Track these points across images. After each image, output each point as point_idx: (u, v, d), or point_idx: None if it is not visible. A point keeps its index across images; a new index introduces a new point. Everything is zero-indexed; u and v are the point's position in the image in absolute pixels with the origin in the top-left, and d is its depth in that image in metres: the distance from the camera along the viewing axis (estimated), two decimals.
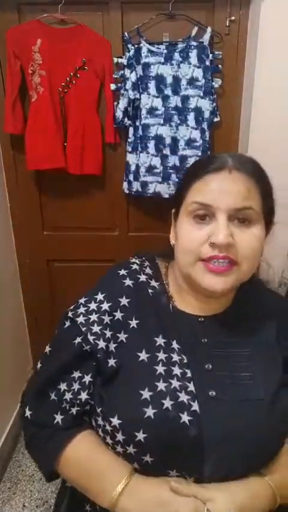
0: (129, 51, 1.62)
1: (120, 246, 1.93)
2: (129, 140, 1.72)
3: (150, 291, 0.77)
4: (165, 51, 1.61)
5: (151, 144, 1.68)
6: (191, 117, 1.65)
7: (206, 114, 1.65)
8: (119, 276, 0.77)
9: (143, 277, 0.78)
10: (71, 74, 1.63)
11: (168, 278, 0.80)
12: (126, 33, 1.61)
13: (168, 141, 1.69)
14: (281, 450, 0.72)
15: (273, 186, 0.79)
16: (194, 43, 1.59)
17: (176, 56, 1.61)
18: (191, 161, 1.69)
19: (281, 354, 0.75)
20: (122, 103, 1.65)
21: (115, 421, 0.66)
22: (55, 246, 1.98)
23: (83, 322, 0.73)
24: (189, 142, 1.68)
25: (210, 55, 1.61)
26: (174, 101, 1.65)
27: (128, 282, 0.76)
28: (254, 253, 0.68)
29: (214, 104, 1.66)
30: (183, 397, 0.67)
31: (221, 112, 1.69)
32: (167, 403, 0.66)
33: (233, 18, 1.60)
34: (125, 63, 1.63)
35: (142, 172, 1.70)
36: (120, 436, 0.67)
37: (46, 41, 1.60)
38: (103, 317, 0.73)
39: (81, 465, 0.71)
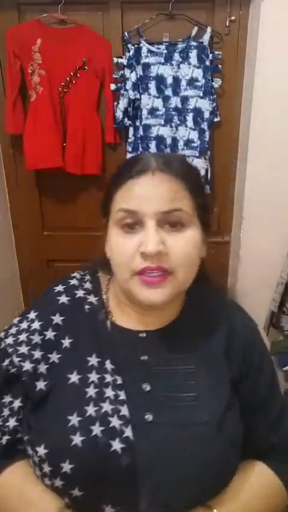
0: (129, 51, 1.62)
1: None
2: (130, 140, 1.72)
3: (87, 307, 0.71)
4: (165, 51, 1.61)
5: (152, 145, 1.69)
6: (189, 117, 1.65)
7: (206, 114, 1.65)
8: (54, 292, 0.72)
9: (80, 293, 0.73)
10: (71, 73, 1.63)
11: (109, 292, 0.74)
12: (126, 33, 1.61)
13: (168, 141, 1.69)
14: (231, 479, 0.65)
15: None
16: (194, 43, 1.59)
17: (176, 56, 1.61)
18: (189, 161, 1.70)
19: (229, 371, 0.68)
20: (122, 103, 1.65)
21: (41, 450, 0.60)
22: (55, 246, 1.98)
23: (11, 343, 0.68)
24: (188, 143, 1.68)
25: (210, 55, 1.61)
26: (174, 101, 1.65)
27: (64, 298, 0.71)
28: (189, 258, 0.63)
29: (214, 104, 1.66)
30: (115, 422, 0.61)
31: (221, 112, 1.69)
32: (97, 429, 0.60)
33: (233, 18, 1.60)
34: (125, 63, 1.63)
35: None
36: (46, 468, 0.60)
37: (46, 40, 1.60)
38: (32, 337, 0.67)
39: (9, 499, 0.64)
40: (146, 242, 0.59)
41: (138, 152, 1.70)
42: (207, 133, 1.67)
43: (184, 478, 0.60)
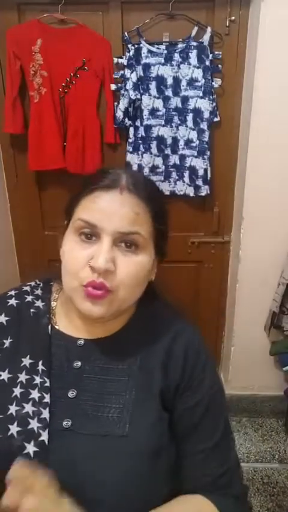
0: (129, 51, 1.62)
1: None
2: (130, 140, 1.72)
3: (32, 310, 0.72)
4: (165, 51, 1.61)
5: (154, 145, 1.69)
6: (189, 117, 1.66)
7: (206, 114, 1.65)
8: (6, 296, 0.74)
9: (29, 298, 0.74)
10: (71, 74, 1.64)
11: (58, 300, 0.75)
12: (126, 33, 1.61)
13: (169, 141, 1.70)
14: (152, 502, 0.60)
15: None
16: (194, 43, 1.59)
17: (176, 56, 1.61)
18: (188, 160, 1.70)
19: (164, 384, 0.66)
20: (123, 103, 1.65)
21: None
22: (55, 246, 1.97)
23: None
24: (188, 143, 1.69)
25: (210, 55, 1.61)
26: (175, 101, 1.65)
27: (13, 301, 0.72)
28: (135, 281, 0.63)
29: (214, 104, 1.66)
30: (34, 425, 0.60)
31: (221, 112, 1.69)
32: (14, 429, 0.59)
33: (233, 18, 1.60)
34: (125, 63, 1.63)
35: (145, 172, 1.71)
36: None
37: (46, 41, 1.60)
38: None
39: None
40: (97, 257, 0.59)
41: (139, 152, 1.71)
42: (206, 133, 1.67)
43: (98, 489, 0.57)
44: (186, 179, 1.74)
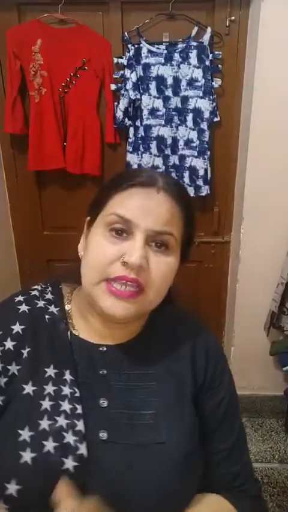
0: (129, 51, 1.62)
1: None
2: (130, 140, 1.72)
3: (47, 317, 0.68)
4: (165, 51, 1.61)
5: (153, 145, 1.69)
6: (189, 117, 1.66)
7: (206, 114, 1.65)
8: (14, 302, 0.69)
9: (41, 303, 0.70)
10: (71, 74, 1.64)
11: (71, 303, 0.72)
12: (126, 33, 1.61)
13: (169, 141, 1.70)
14: (188, 503, 0.61)
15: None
16: (194, 43, 1.59)
17: (176, 56, 1.61)
18: (188, 161, 1.70)
19: (192, 390, 0.66)
20: (122, 103, 1.65)
21: None
22: (55, 246, 1.98)
23: None
24: (188, 143, 1.69)
25: (210, 55, 1.61)
26: (175, 101, 1.65)
27: (24, 307, 0.68)
28: (164, 282, 0.62)
29: (214, 104, 1.66)
30: (70, 438, 0.57)
31: (221, 112, 1.69)
32: (49, 445, 0.55)
33: (233, 18, 1.60)
34: (125, 63, 1.63)
35: None
36: None
37: (46, 41, 1.60)
38: None
39: None
40: (131, 252, 0.57)
41: (139, 152, 1.70)
42: (206, 133, 1.67)
43: (138, 500, 0.56)
44: (186, 179, 1.74)
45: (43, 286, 0.75)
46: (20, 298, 0.70)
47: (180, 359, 0.68)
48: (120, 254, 0.58)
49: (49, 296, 0.72)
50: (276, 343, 1.86)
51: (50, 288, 0.74)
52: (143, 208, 0.59)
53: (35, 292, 0.72)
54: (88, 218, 0.67)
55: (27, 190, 1.89)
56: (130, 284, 0.58)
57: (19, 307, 0.68)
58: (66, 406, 0.60)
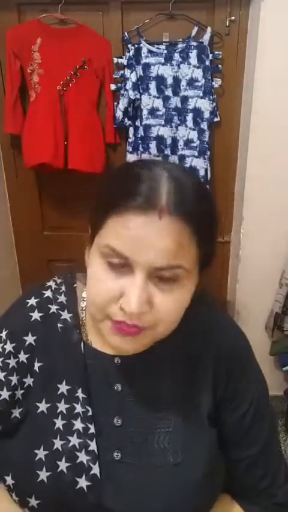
0: (129, 51, 1.62)
1: None
2: (130, 140, 1.72)
3: (60, 325, 0.63)
4: (165, 51, 1.61)
5: (153, 145, 1.69)
6: (189, 117, 1.65)
7: (206, 114, 1.65)
8: (27, 307, 0.64)
9: (53, 308, 0.64)
10: (71, 73, 1.63)
11: (86, 309, 0.66)
12: (126, 33, 1.61)
13: (168, 141, 1.70)
14: None
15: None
16: (194, 43, 1.59)
17: (176, 56, 1.61)
18: (188, 161, 1.70)
19: (211, 404, 0.61)
20: (122, 103, 1.65)
21: (9, 480, 0.57)
22: (55, 246, 1.98)
23: None
24: (188, 143, 1.69)
25: (210, 55, 1.61)
26: (175, 101, 1.65)
27: (36, 315, 0.63)
28: (173, 317, 0.53)
29: (214, 104, 1.66)
30: (83, 458, 0.56)
31: (221, 112, 1.69)
32: (62, 465, 0.56)
33: (233, 18, 1.60)
34: (125, 63, 1.63)
35: None
36: (14, 497, 0.58)
37: (46, 40, 1.60)
38: (8, 361, 0.61)
39: None
40: (129, 298, 0.49)
41: (139, 152, 1.70)
42: (206, 133, 1.67)
43: None
44: None
45: (58, 282, 0.69)
46: (33, 302, 0.65)
47: (201, 369, 0.61)
48: (119, 293, 0.50)
49: (62, 298, 0.66)
50: (276, 343, 1.86)
51: (63, 288, 0.67)
52: (142, 241, 0.48)
53: (49, 293, 0.66)
54: (89, 232, 0.58)
55: (27, 190, 1.89)
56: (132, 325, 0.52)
57: (31, 314, 0.64)
58: (78, 425, 0.58)
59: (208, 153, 1.69)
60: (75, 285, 0.68)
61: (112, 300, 0.51)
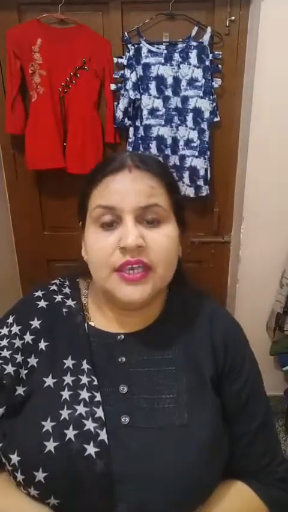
0: (129, 51, 1.62)
1: None
2: (130, 140, 1.72)
3: (64, 310, 0.70)
4: (165, 51, 1.61)
5: (153, 145, 1.69)
6: (189, 117, 1.65)
7: (206, 114, 1.65)
8: (34, 298, 0.72)
9: (59, 298, 0.72)
10: (71, 73, 1.63)
11: (88, 296, 0.74)
12: (126, 33, 1.61)
13: (169, 141, 1.70)
14: (213, 486, 0.62)
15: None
16: (194, 43, 1.59)
17: (176, 56, 1.61)
18: (188, 161, 1.70)
19: (213, 373, 0.66)
20: (122, 103, 1.65)
21: (14, 458, 0.58)
22: (55, 246, 1.98)
23: None
24: (188, 143, 1.69)
25: (210, 55, 1.61)
26: (175, 101, 1.65)
27: (42, 303, 0.71)
28: (168, 254, 0.62)
29: (214, 104, 1.66)
30: (90, 425, 0.59)
31: (221, 112, 1.69)
32: (70, 433, 0.58)
33: (233, 18, 1.60)
34: (125, 63, 1.63)
35: None
36: (19, 476, 0.58)
37: (46, 40, 1.60)
38: (14, 341, 0.66)
39: None
40: (125, 236, 0.58)
41: (139, 152, 1.70)
42: (206, 133, 1.67)
43: (162, 483, 0.57)
44: (186, 180, 1.74)
45: (61, 280, 0.77)
46: (39, 293, 0.73)
47: (199, 342, 0.68)
48: (117, 242, 0.59)
49: (67, 290, 0.74)
50: (276, 343, 1.86)
51: (67, 282, 0.76)
52: (122, 191, 0.60)
53: (54, 287, 0.74)
54: (80, 223, 0.69)
55: (27, 190, 1.89)
56: (137, 267, 0.59)
57: (38, 302, 0.71)
58: (85, 394, 0.62)
59: (208, 153, 1.69)
60: (77, 280, 0.76)
61: (112, 249, 0.59)
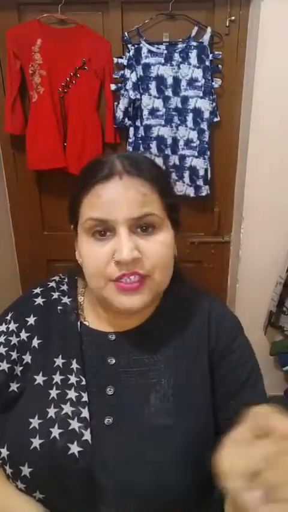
0: (129, 51, 1.62)
1: None
2: (130, 140, 1.72)
3: (59, 307, 0.70)
4: (165, 51, 1.61)
5: (153, 145, 1.69)
6: (189, 117, 1.65)
7: (206, 114, 1.65)
8: (32, 294, 0.72)
9: (55, 295, 0.72)
10: (71, 73, 1.63)
11: (84, 295, 0.74)
12: (126, 33, 1.61)
13: (169, 141, 1.70)
14: (199, 487, 0.60)
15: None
16: (194, 43, 1.59)
17: (176, 56, 1.61)
18: (188, 161, 1.70)
19: (209, 362, 0.66)
20: (122, 103, 1.65)
21: (4, 452, 0.60)
22: (55, 246, 1.98)
23: None
24: (188, 143, 1.69)
25: (210, 55, 1.61)
26: (175, 101, 1.65)
27: (39, 300, 0.71)
28: (165, 260, 0.61)
29: (214, 104, 1.66)
30: (75, 425, 0.59)
31: (221, 112, 1.69)
32: (55, 431, 0.59)
33: (233, 18, 1.60)
34: (125, 63, 1.63)
35: None
36: (8, 470, 0.59)
37: (46, 41, 1.60)
38: (10, 338, 0.67)
39: None
40: (120, 250, 0.56)
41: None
42: (206, 133, 1.67)
43: (145, 485, 0.57)
44: (186, 179, 1.74)
45: (62, 276, 0.77)
46: (38, 290, 0.73)
47: (192, 338, 0.67)
48: (112, 253, 0.58)
49: (64, 287, 0.74)
50: (276, 343, 1.86)
51: (66, 279, 0.76)
52: (113, 201, 0.57)
53: (53, 284, 0.75)
54: (72, 226, 0.67)
55: (27, 190, 1.89)
56: (133, 277, 0.58)
57: (35, 299, 0.72)
58: (72, 394, 0.62)
59: (208, 153, 1.69)
60: (76, 278, 0.76)
61: (107, 261, 0.58)
